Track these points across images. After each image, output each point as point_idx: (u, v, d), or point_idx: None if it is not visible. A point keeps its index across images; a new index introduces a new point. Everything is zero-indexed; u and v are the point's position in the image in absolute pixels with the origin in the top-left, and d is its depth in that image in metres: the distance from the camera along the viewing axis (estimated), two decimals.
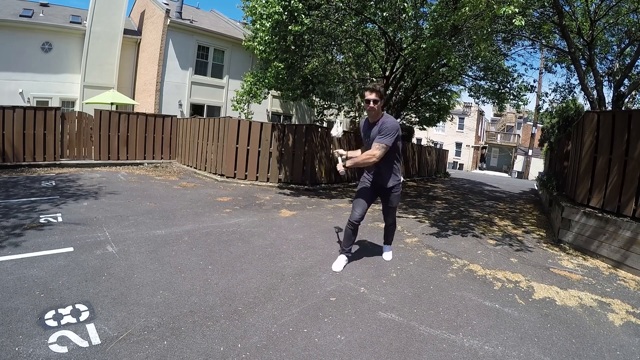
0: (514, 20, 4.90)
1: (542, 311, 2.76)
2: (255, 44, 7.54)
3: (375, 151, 2.95)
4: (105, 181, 7.04)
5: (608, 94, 9.14)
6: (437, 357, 2.07)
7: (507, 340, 2.29)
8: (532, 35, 8.83)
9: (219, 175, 8.92)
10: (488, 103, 12.01)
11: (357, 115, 12.46)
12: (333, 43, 9.42)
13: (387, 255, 3.78)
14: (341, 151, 3.25)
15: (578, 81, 8.82)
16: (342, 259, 3.38)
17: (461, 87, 12.87)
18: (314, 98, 11.79)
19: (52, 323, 2.07)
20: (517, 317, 2.64)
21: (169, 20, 13.58)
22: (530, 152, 27.54)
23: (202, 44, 14.82)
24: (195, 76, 14.80)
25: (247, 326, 2.23)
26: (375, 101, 3.03)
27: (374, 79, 11.03)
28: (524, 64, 30.83)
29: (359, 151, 3.45)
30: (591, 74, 7.91)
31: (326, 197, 7.57)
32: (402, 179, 3.33)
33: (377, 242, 4.29)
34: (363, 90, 3.47)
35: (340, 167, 3.13)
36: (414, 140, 21.12)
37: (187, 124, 10.73)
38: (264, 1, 6.59)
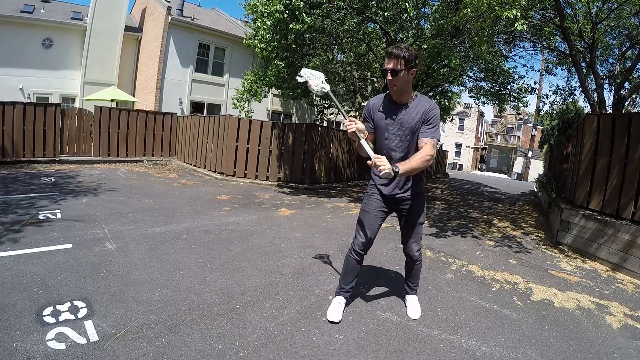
0: (516, 25, 4.90)
1: (540, 313, 2.77)
2: (256, 42, 7.53)
3: (432, 150, 2.08)
4: (104, 178, 7.03)
5: (608, 97, 9.14)
6: (434, 357, 2.07)
7: (504, 342, 2.29)
8: (534, 37, 8.83)
9: (218, 173, 8.91)
10: (488, 104, 12.01)
11: (357, 115, 12.44)
12: (334, 42, 9.40)
13: (413, 308, 2.55)
14: (360, 126, 2.06)
15: (579, 83, 8.83)
16: (338, 303, 2.41)
17: (462, 87, 12.87)
18: (314, 97, 11.76)
19: (50, 319, 2.07)
20: (515, 318, 2.64)
21: (170, 18, 13.56)
22: (530, 154, 27.56)
23: (203, 41, 14.79)
24: (196, 74, 14.77)
25: (245, 324, 2.23)
26: (394, 72, 2.03)
27: (375, 79, 10.99)
28: (524, 65, 30.79)
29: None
30: (592, 76, 7.92)
31: (325, 197, 7.57)
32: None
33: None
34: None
35: (366, 150, 2.02)
36: None
37: (187, 122, 10.72)
38: None
